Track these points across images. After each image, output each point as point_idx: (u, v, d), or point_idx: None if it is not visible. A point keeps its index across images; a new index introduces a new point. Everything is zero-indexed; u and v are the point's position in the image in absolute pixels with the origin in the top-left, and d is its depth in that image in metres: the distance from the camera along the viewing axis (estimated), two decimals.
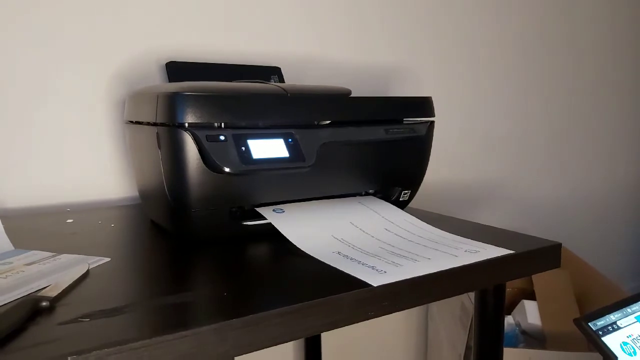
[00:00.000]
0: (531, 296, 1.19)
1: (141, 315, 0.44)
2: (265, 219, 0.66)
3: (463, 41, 1.35)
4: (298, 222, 0.66)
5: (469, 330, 1.12)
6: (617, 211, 1.83)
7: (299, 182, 0.69)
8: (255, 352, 0.44)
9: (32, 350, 0.37)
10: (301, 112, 0.70)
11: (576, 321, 0.53)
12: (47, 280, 0.50)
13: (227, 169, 0.61)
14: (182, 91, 0.62)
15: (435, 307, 1.31)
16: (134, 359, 0.38)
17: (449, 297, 0.59)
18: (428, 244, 0.63)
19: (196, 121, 0.61)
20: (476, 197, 1.43)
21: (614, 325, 0.61)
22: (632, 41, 1.76)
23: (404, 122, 0.79)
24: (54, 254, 0.59)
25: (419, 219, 0.73)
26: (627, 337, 0.60)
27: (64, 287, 0.48)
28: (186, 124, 0.61)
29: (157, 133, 0.64)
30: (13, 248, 0.62)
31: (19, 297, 0.46)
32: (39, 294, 0.47)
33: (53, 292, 0.47)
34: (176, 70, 0.90)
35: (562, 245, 0.65)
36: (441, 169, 1.24)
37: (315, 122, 0.71)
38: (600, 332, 0.58)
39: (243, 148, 0.63)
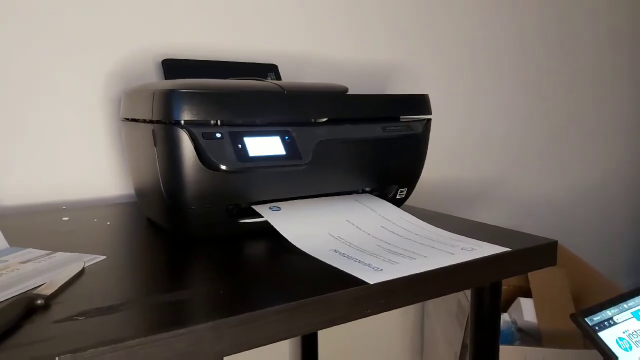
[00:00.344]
0: (527, 294, 1.20)
1: (137, 313, 0.44)
2: (262, 216, 0.66)
3: (461, 39, 1.35)
4: (294, 219, 0.66)
5: (465, 328, 1.12)
6: (614, 209, 1.83)
7: (295, 179, 0.69)
8: (252, 350, 0.44)
9: (27, 349, 0.37)
10: (298, 110, 0.70)
11: (572, 316, 0.53)
12: (42, 279, 0.50)
13: (223, 167, 0.61)
14: (178, 88, 0.61)
15: (432, 304, 1.31)
16: (130, 358, 0.38)
17: (445, 294, 0.59)
18: (424, 242, 0.63)
19: (192, 119, 0.61)
20: (473, 195, 1.43)
21: (610, 321, 0.61)
22: (630, 40, 1.77)
23: (401, 120, 0.79)
24: (49, 252, 0.59)
25: (415, 216, 0.73)
26: (623, 332, 0.60)
27: (59, 285, 0.48)
28: (182, 122, 0.60)
29: (153, 130, 0.63)
30: (8, 246, 0.62)
31: (14, 295, 0.46)
32: (34, 292, 0.46)
33: (48, 290, 0.46)
34: (172, 67, 0.90)
35: (559, 242, 0.66)
36: (438, 166, 1.24)
37: (312, 120, 0.71)
38: (597, 328, 0.59)
39: (239, 146, 0.62)
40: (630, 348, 0.60)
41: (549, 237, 0.66)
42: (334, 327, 0.49)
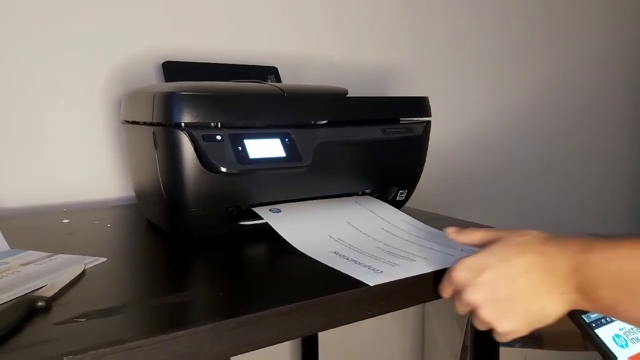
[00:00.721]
0: None
1: (137, 315, 0.44)
2: (262, 218, 0.66)
3: (460, 42, 1.35)
4: (295, 221, 0.66)
5: (465, 330, 1.12)
6: (612, 209, 1.83)
7: (295, 182, 0.69)
8: (252, 352, 0.44)
9: (28, 351, 0.37)
10: (298, 112, 0.70)
11: (570, 313, 0.54)
12: (43, 281, 0.50)
13: (223, 169, 0.61)
14: (179, 91, 0.62)
15: (432, 306, 1.31)
16: (130, 359, 0.38)
17: None
18: (424, 244, 0.63)
19: (193, 121, 0.61)
20: (473, 197, 1.43)
21: (607, 318, 0.62)
22: (632, 38, 1.77)
23: (401, 122, 0.79)
24: (50, 254, 0.59)
25: (415, 218, 0.73)
26: (620, 329, 0.60)
27: (60, 287, 0.48)
28: (183, 124, 0.61)
29: (153, 133, 0.64)
30: (9, 248, 0.62)
31: (14, 297, 0.46)
32: (35, 294, 0.47)
33: (49, 292, 0.47)
34: (173, 70, 0.90)
35: None
36: (438, 168, 1.24)
37: (312, 122, 0.71)
38: (594, 325, 0.59)
39: (240, 148, 0.63)
40: (627, 345, 0.60)
41: None
42: (334, 329, 0.49)
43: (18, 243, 0.63)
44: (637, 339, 0.65)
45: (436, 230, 0.68)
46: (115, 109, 0.91)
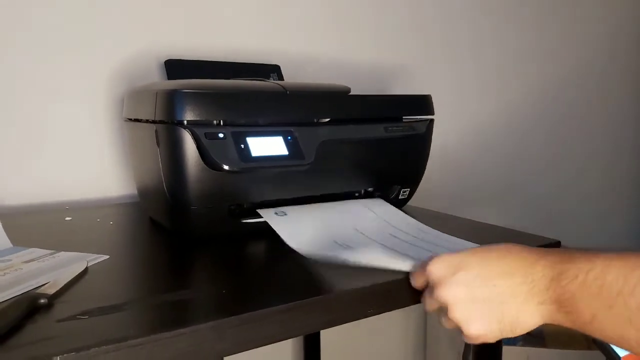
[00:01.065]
0: None
1: (139, 312, 0.44)
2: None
3: (462, 39, 1.34)
4: (300, 227, 0.65)
5: None
6: (616, 209, 1.83)
7: (298, 180, 0.69)
8: (254, 350, 0.44)
9: (30, 348, 0.37)
10: (300, 110, 0.70)
11: None
12: (45, 278, 0.50)
13: (226, 167, 0.61)
14: (181, 88, 0.62)
15: None
16: (132, 357, 0.38)
17: None
18: (431, 248, 0.62)
19: (195, 119, 0.61)
20: (475, 195, 1.43)
21: None
22: (632, 38, 1.76)
23: (404, 120, 0.79)
24: (52, 251, 0.59)
25: (419, 219, 0.72)
26: None
27: (62, 285, 0.48)
28: (185, 122, 0.61)
29: (155, 130, 0.64)
30: (11, 246, 0.62)
31: (17, 294, 0.46)
32: (37, 291, 0.47)
33: (51, 290, 0.47)
34: (175, 68, 0.90)
35: (561, 243, 0.65)
36: (441, 167, 1.24)
37: (315, 120, 0.71)
38: None
39: (242, 146, 0.63)
40: None
41: (552, 237, 0.65)
42: (336, 326, 0.49)
43: (21, 240, 0.63)
44: None
45: (442, 234, 0.67)
46: (117, 107, 0.91)
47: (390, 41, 1.22)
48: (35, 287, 0.48)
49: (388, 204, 0.76)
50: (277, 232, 0.62)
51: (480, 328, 0.48)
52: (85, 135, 0.90)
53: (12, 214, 0.82)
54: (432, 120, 0.80)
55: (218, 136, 0.61)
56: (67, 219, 0.78)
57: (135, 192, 0.82)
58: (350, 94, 0.77)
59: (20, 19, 0.83)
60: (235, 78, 0.81)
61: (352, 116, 0.74)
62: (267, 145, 0.64)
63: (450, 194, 1.35)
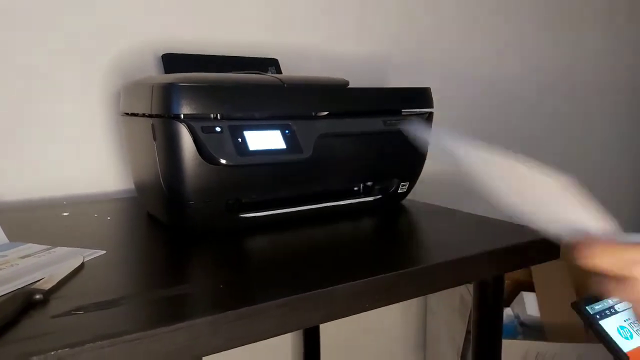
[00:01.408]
0: (530, 288, 1.19)
1: (136, 307, 0.44)
2: (263, 210, 0.65)
3: (462, 33, 1.34)
4: None
5: (468, 323, 1.12)
6: (615, 203, 1.82)
7: (296, 174, 0.69)
8: (253, 345, 0.44)
9: (25, 343, 0.37)
10: (298, 103, 0.69)
11: (574, 304, 0.53)
12: (41, 273, 0.50)
13: (223, 161, 0.60)
14: (178, 82, 0.61)
15: (435, 299, 1.31)
16: (128, 352, 0.38)
17: (447, 288, 0.59)
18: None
19: (192, 112, 0.60)
20: (475, 189, 1.42)
21: (611, 310, 0.61)
22: (631, 40, 1.75)
23: (403, 113, 0.78)
24: (49, 246, 0.59)
25: (420, 215, 0.72)
26: (625, 321, 0.60)
27: (58, 280, 0.48)
28: (182, 116, 0.60)
29: (152, 125, 0.63)
30: (8, 241, 0.62)
31: (12, 290, 0.46)
32: (33, 286, 0.46)
33: (47, 285, 0.46)
34: (172, 61, 0.89)
35: None
36: (439, 160, 1.23)
37: (313, 113, 0.71)
38: (598, 316, 0.58)
39: (239, 139, 0.62)
40: (631, 336, 0.59)
41: None
42: (335, 321, 0.48)
43: (18, 236, 0.63)
44: None
45: None
46: (114, 101, 0.90)
47: (390, 34, 1.21)
48: (31, 282, 0.48)
49: None
50: None
51: None
52: (82, 130, 0.89)
53: (9, 209, 0.82)
54: (431, 113, 0.80)
55: (215, 130, 0.61)
56: (65, 214, 0.77)
57: (133, 187, 0.82)
58: (349, 87, 0.76)
59: (17, 13, 0.82)
60: (233, 71, 0.81)
61: (351, 109, 0.73)
62: (264, 139, 0.64)
63: (449, 187, 1.34)
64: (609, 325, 0.59)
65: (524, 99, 1.51)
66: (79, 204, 0.85)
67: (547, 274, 1.18)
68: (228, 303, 0.43)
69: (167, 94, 0.61)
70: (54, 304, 0.44)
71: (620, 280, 0.45)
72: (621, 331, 0.60)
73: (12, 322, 0.40)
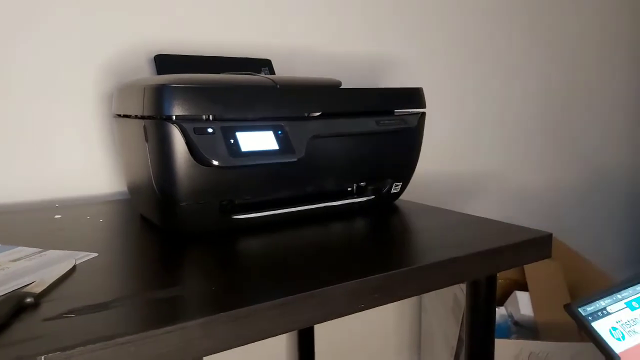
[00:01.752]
0: (524, 287, 1.19)
1: (128, 310, 0.44)
2: (256, 212, 0.65)
3: (454, 33, 1.34)
4: None
5: (462, 322, 1.12)
6: (608, 202, 1.83)
7: (288, 174, 0.69)
8: (248, 347, 0.44)
9: (16, 347, 0.37)
10: (291, 104, 0.69)
11: (567, 307, 0.53)
12: (32, 277, 0.50)
13: (215, 162, 0.60)
14: (169, 83, 0.61)
15: (428, 298, 1.31)
16: (120, 355, 0.38)
17: (440, 288, 0.59)
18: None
19: (184, 114, 0.60)
20: (468, 189, 1.43)
21: (603, 311, 0.62)
22: (625, 37, 1.77)
23: (395, 114, 0.78)
24: (40, 250, 0.59)
25: (412, 215, 0.72)
26: (617, 322, 0.60)
27: (49, 283, 0.47)
28: (173, 117, 0.60)
29: (144, 126, 0.63)
30: None
31: (3, 293, 0.45)
32: (24, 290, 0.46)
33: (38, 288, 0.46)
34: (165, 63, 0.89)
35: (553, 235, 0.65)
36: (432, 160, 1.24)
37: (305, 114, 0.71)
38: (590, 318, 0.59)
39: (232, 141, 0.62)
40: (623, 337, 0.60)
41: (544, 230, 0.65)
42: (330, 321, 0.48)
43: (8, 239, 0.63)
44: (634, 331, 0.65)
45: None
46: (107, 103, 0.90)
47: (382, 35, 1.22)
48: (22, 286, 0.47)
49: None
50: None
51: None
52: (75, 131, 0.89)
53: (0, 212, 0.81)
54: (423, 114, 0.80)
55: (207, 131, 0.61)
56: (57, 216, 0.77)
57: (125, 189, 0.81)
58: (341, 87, 0.76)
59: (9, 14, 0.82)
60: (226, 72, 0.80)
61: (343, 110, 0.73)
62: (257, 140, 0.64)
63: (442, 187, 1.35)
64: (601, 326, 0.60)
65: (517, 100, 1.51)
66: (71, 206, 0.84)
67: (540, 273, 1.19)
68: (221, 305, 0.43)
69: (159, 95, 0.60)
70: (46, 307, 0.43)
71: None
72: (613, 332, 0.60)
73: (4, 325, 0.39)
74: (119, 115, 0.74)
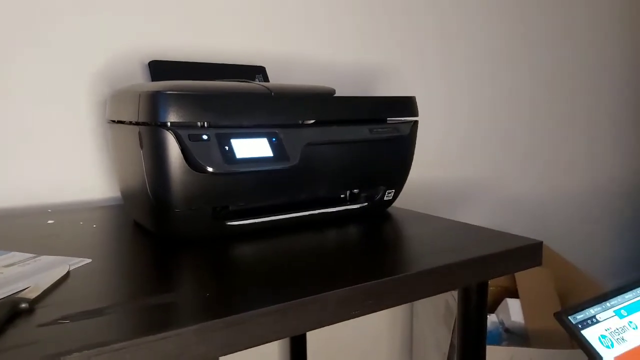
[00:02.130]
0: (514, 295, 1.20)
1: (122, 316, 0.44)
2: (250, 218, 0.66)
3: (447, 41, 1.35)
4: None
5: (453, 329, 1.13)
6: (598, 210, 1.85)
7: (282, 181, 0.69)
8: (240, 353, 0.44)
9: (10, 353, 0.37)
10: (285, 112, 0.70)
11: (557, 315, 0.54)
12: (26, 282, 0.49)
13: (210, 169, 0.60)
14: (164, 90, 0.61)
15: (420, 305, 1.32)
16: None
17: (432, 295, 0.59)
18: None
19: (179, 120, 0.60)
20: (460, 196, 1.44)
21: (593, 319, 0.62)
22: (619, 43, 1.79)
23: (388, 122, 0.79)
24: (34, 255, 0.59)
25: (404, 222, 0.72)
26: (606, 330, 0.61)
27: (43, 289, 0.48)
28: (168, 123, 0.60)
29: (139, 132, 0.63)
30: None
31: None
32: (18, 295, 0.46)
33: (32, 294, 0.46)
34: (159, 69, 0.89)
35: (544, 243, 0.66)
36: (425, 168, 1.25)
37: (300, 122, 0.71)
38: (580, 326, 0.60)
39: (226, 147, 0.62)
40: (612, 345, 0.61)
41: (534, 238, 0.66)
42: (322, 328, 0.49)
43: (2, 244, 0.62)
44: (623, 339, 0.66)
45: None
46: (101, 109, 0.90)
47: (376, 43, 1.23)
48: (16, 291, 0.47)
49: None
50: None
51: None
52: (69, 137, 0.89)
53: None
54: (416, 122, 0.81)
55: (202, 138, 0.61)
56: (50, 222, 0.77)
57: (119, 194, 0.81)
58: (335, 95, 0.77)
59: (3, 20, 0.82)
60: (220, 79, 0.81)
61: (337, 118, 0.74)
62: (251, 147, 0.64)
63: (435, 194, 1.36)
64: (591, 334, 0.60)
65: (508, 109, 1.53)
66: (65, 212, 0.84)
67: (531, 281, 1.20)
68: (215, 311, 0.43)
69: (154, 101, 0.61)
70: (40, 313, 0.43)
71: None
72: (602, 340, 0.61)
73: None
74: (113, 121, 0.74)
